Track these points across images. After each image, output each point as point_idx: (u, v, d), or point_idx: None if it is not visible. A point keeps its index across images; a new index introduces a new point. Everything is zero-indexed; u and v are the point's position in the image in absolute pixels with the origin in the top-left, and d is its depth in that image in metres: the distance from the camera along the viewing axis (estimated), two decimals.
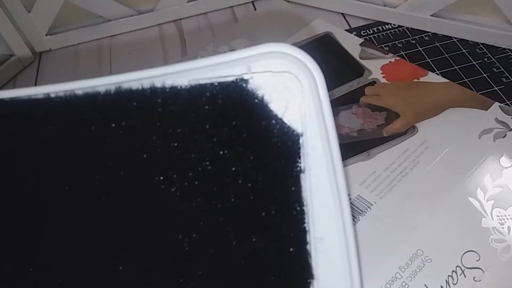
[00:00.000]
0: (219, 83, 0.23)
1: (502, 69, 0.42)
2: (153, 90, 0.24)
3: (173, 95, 0.24)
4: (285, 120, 0.24)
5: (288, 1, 0.51)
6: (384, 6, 0.47)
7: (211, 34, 0.51)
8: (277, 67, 0.23)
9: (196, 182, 0.23)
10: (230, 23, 0.51)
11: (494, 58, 0.43)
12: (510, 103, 0.39)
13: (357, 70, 0.42)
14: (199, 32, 0.51)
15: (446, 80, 0.40)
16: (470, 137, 0.35)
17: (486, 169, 0.33)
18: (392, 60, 0.42)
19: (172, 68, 0.24)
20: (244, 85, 0.23)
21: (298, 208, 0.24)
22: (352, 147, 0.36)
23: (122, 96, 0.24)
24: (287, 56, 0.23)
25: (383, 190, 0.33)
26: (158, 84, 0.24)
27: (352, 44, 0.44)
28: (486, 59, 0.43)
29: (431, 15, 0.45)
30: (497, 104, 0.37)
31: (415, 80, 0.40)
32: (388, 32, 0.47)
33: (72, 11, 0.50)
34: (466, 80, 0.41)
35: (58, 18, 0.50)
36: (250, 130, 0.23)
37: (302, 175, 0.24)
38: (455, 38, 0.45)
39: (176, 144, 0.24)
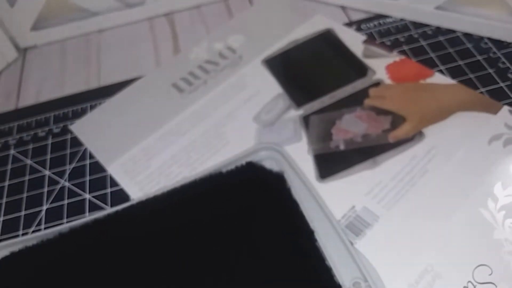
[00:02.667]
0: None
1: (508, 64, 0.40)
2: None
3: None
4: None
5: None
6: None
7: (205, 28, 0.48)
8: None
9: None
10: (225, 17, 0.49)
11: (500, 53, 0.41)
12: None
13: (361, 69, 0.40)
14: (192, 27, 0.49)
15: (454, 82, 0.38)
16: (479, 144, 0.33)
17: (497, 178, 0.31)
18: (397, 59, 0.40)
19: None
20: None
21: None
22: (357, 154, 0.34)
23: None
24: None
25: (390, 201, 0.31)
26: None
27: (354, 42, 0.42)
28: (491, 54, 0.41)
29: (435, 8, 0.43)
30: (506, 108, 0.35)
31: (421, 81, 0.38)
32: (389, 26, 0.45)
33: (57, 5, 0.48)
34: (470, 76, 0.39)
35: (43, 12, 0.48)
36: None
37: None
38: (459, 32, 0.43)
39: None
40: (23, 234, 0.34)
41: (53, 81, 0.46)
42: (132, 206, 0.31)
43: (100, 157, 0.37)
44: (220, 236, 0.29)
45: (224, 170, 0.33)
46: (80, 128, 0.40)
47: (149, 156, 0.37)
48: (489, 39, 0.42)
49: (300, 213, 0.30)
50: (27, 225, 0.34)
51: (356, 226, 0.30)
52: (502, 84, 0.38)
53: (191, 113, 0.39)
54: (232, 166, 0.33)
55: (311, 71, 0.41)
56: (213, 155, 0.36)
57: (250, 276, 0.27)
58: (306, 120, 0.37)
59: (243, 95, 0.40)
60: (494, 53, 0.41)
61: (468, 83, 0.39)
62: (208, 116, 0.39)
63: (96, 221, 0.31)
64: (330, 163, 0.34)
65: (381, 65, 0.40)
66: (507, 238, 0.28)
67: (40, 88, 0.46)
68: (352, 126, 0.36)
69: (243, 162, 0.33)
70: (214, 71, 0.42)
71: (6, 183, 0.37)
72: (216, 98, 0.40)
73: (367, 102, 0.37)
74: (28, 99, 0.45)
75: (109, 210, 0.32)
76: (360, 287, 0.27)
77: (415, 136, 0.35)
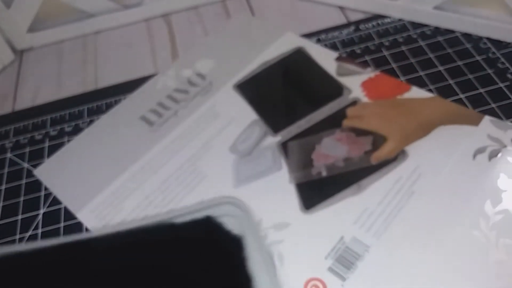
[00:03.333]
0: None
1: (508, 65, 0.40)
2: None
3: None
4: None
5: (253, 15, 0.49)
6: None
7: (202, 29, 0.48)
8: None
9: None
10: (222, 17, 0.49)
11: (499, 54, 0.41)
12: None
13: (336, 89, 0.39)
14: (189, 27, 0.49)
15: (431, 95, 0.37)
16: (464, 159, 0.33)
17: (485, 194, 0.31)
18: (372, 75, 0.39)
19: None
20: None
21: None
22: (341, 179, 0.33)
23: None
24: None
25: (379, 228, 0.30)
26: None
27: (327, 59, 0.41)
28: (490, 55, 0.41)
29: (433, 8, 0.42)
30: (487, 118, 0.35)
31: (399, 96, 0.37)
32: (388, 26, 0.44)
33: (54, 6, 0.48)
34: (470, 77, 0.39)
35: (39, 14, 0.48)
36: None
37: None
38: (458, 32, 0.43)
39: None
40: (19, 239, 0.34)
41: (50, 83, 0.46)
42: (88, 239, 0.31)
43: (69, 203, 0.34)
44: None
45: (179, 220, 0.31)
46: (45, 172, 0.37)
47: (121, 199, 0.34)
48: (488, 39, 0.42)
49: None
50: (24, 229, 0.34)
51: (347, 258, 0.29)
52: (501, 85, 0.38)
53: (163, 148, 0.37)
54: (189, 218, 0.31)
55: (285, 93, 0.39)
56: (189, 192, 0.34)
57: None
58: (284, 146, 0.35)
59: (217, 124, 0.38)
60: (493, 53, 0.41)
61: (467, 84, 0.38)
62: (182, 150, 0.36)
63: (51, 247, 0.30)
64: (314, 192, 0.33)
65: (356, 82, 0.39)
66: (503, 260, 0.28)
67: (37, 91, 0.45)
68: (332, 150, 0.35)
69: (202, 215, 0.31)
70: (184, 100, 0.40)
71: (3, 186, 0.37)
72: (189, 130, 0.38)
73: (346, 123, 0.37)
74: (25, 101, 0.44)
75: (63, 239, 0.31)
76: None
77: (398, 155, 0.34)
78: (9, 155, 0.39)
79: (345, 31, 0.45)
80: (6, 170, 0.38)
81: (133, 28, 0.50)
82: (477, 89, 0.38)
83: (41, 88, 0.45)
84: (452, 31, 0.43)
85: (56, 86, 0.45)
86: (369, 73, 0.40)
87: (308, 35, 0.45)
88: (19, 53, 0.49)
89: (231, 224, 0.31)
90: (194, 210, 0.31)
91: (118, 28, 0.50)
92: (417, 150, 0.34)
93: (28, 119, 0.42)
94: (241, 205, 0.32)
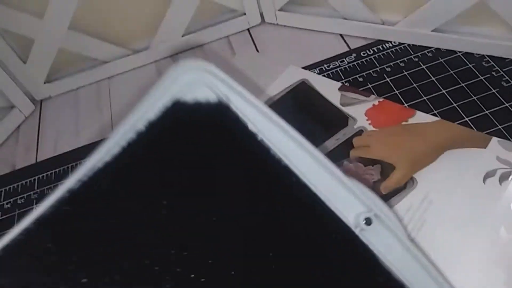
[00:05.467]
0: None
1: None
2: None
3: None
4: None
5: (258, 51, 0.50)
6: (383, 24, 0.45)
7: None
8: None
9: None
10: (227, 54, 0.50)
11: (503, 71, 0.41)
12: None
13: (341, 119, 0.39)
14: None
15: (436, 119, 0.38)
16: (475, 184, 0.33)
17: (498, 220, 0.31)
18: (376, 102, 0.40)
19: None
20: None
21: None
22: None
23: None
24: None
25: None
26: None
27: (330, 90, 0.42)
28: (494, 73, 0.41)
29: (432, 31, 0.43)
30: (495, 139, 0.35)
31: (404, 122, 0.38)
32: (389, 50, 0.45)
33: (68, 57, 0.50)
34: (474, 98, 0.39)
35: (54, 65, 0.50)
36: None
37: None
38: (460, 52, 0.43)
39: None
40: None
41: (69, 132, 0.48)
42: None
43: None
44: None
45: (140, 125, 0.25)
46: None
47: None
48: (491, 57, 0.42)
49: (263, 147, 0.24)
50: None
51: None
52: (507, 105, 0.38)
53: None
54: (150, 115, 0.24)
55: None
56: None
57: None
58: None
59: None
60: (497, 71, 0.41)
61: (472, 106, 0.39)
62: None
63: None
64: None
65: (360, 111, 0.39)
66: None
67: (57, 140, 0.48)
68: None
69: (167, 102, 0.24)
70: None
71: None
72: None
73: (353, 153, 0.37)
74: (47, 151, 0.47)
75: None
76: (372, 220, 0.23)
77: (407, 183, 0.34)
78: (35, 206, 0.42)
79: (346, 59, 0.45)
80: None
81: (143, 70, 0.52)
82: (483, 110, 0.38)
83: (61, 137, 0.48)
84: (453, 51, 0.43)
85: (75, 134, 0.48)
86: (373, 101, 0.40)
87: (310, 66, 0.46)
88: (39, 103, 0.52)
89: (206, 95, 0.24)
90: (151, 102, 0.24)
91: (129, 71, 0.52)
92: (426, 177, 0.34)
93: (50, 169, 0.44)
94: (206, 67, 0.25)
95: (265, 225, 0.23)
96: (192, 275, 0.22)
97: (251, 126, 0.24)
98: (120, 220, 0.23)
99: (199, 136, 0.24)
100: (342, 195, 0.24)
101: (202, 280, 0.22)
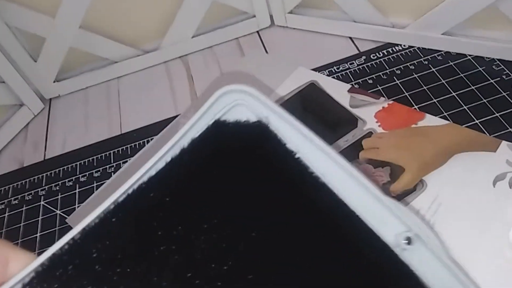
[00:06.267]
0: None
1: None
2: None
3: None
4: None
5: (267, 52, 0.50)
6: (393, 27, 0.45)
7: (218, 67, 0.50)
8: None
9: None
10: (236, 55, 0.50)
11: None
12: None
13: (350, 121, 0.39)
14: (205, 67, 0.50)
15: (446, 122, 0.38)
16: (484, 187, 0.33)
17: (508, 223, 0.31)
18: (385, 105, 0.40)
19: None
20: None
21: None
22: None
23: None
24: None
25: None
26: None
27: (339, 92, 0.42)
28: (504, 76, 0.41)
29: (442, 34, 0.43)
30: (505, 143, 0.35)
31: (413, 125, 0.38)
32: (399, 53, 0.45)
33: (77, 56, 0.50)
34: (484, 101, 0.39)
35: (64, 64, 0.50)
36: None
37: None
38: (470, 55, 0.43)
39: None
40: None
41: (77, 130, 0.48)
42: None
43: None
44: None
45: (184, 142, 0.25)
46: (77, 220, 0.38)
47: None
48: (501, 60, 0.42)
49: (302, 165, 0.24)
50: None
51: None
52: None
53: None
54: (194, 133, 0.25)
55: None
56: None
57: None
58: None
59: None
60: (507, 74, 0.41)
61: (482, 109, 0.39)
62: None
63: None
64: None
65: (370, 113, 0.39)
66: None
67: (66, 137, 0.48)
68: None
69: (207, 123, 0.25)
70: None
71: (38, 234, 0.39)
72: None
73: (362, 155, 0.37)
74: (55, 149, 0.47)
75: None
76: (413, 240, 0.23)
77: (417, 185, 0.34)
78: (42, 203, 0.42)
79: (356, 62, 0.45)
80: (40, 217, 0.41)
81: (152, 70, 0.52)
82: (493, 113, 0.38)
83: (69, 135, 0.48)
84: (463, 55, 0.43)
85: (84, 132, 0.48)
86: (383, 103, 0.40)
87: (320, 68, 0.46)
88: (48, 102, 0.52)
89: (244, 114, 0.25)
90: (191, 124, 0.25)
91: (138, 71, 0.52)
92: (436, 179, 0.34)
93: (58, 166, 0.45)
94: (245, 89, 0.25)
95: (303, 242, 0.23)
96: None
97: (289, 145, 0.25)
98: (163, 233, 0.23)
99: (239, 153, 0.25)
100: (380, 214, 0.23)
101: None
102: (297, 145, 0.24)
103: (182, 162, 0.25)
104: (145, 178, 0.24)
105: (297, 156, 0.24)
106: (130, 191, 0.24)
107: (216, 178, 0.25)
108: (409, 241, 0.23)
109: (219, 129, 0.25)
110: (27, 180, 0.44)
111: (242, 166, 0.25)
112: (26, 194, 0.43)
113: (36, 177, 0.44)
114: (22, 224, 0.40)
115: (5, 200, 0.43)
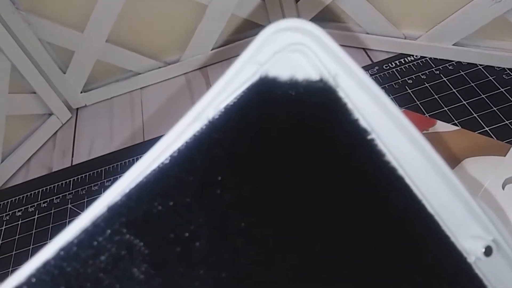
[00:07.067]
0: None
1: None
2: None
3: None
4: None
5: None
6: (405, 38, 0.47)
7: None
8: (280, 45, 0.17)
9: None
10: None
11: None
12: None
13: None
14: None
15: (457, 128, 0.39)
16: (494, 189, 0.34)
17: None
18: None
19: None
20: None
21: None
22: None
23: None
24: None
25: None
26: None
27: None
28: None
29: (453, 44, 0.44)
30: None
31: (425, 131, 0.39)
32: (411, 64, 0.46)
33: (104, 68, 0.53)
34: (494, 109, 0.40)
35: (91, 76, 0.53)
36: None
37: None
38: (481, 65, 0.44)
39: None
40: None
41: (103, 137, 0.51)
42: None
43: None
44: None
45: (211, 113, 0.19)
46: None
47: None
48: (511, 69, 0.43)
49: (375, 150, 0.18)
50: None
51: None
52: None
53: None
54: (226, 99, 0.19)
55: None
56: None
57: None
58: None
59: None
60: None
61: (492, 116, 0.40)
62: None
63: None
64: None
65: None
66: None
67: (92, 145, 0.50)
68: None
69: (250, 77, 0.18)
70: None
71: None
72: None
73: None
74: (82, 155, 0.49)
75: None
76: (492, 251, 0.19)
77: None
78: (69, 206, 0.44)
79: (369, 72, 0.47)
80: (67, 219, 0.43)
81: (174, 81, 0.54)
82: (503, 120, 0.39)
83: (95, 142, 0.50)
84: (474, 65, 0.44)
85: (109, 139, 0.50)
86: None
87: None
88: (75, 111, 0.55)
89: (303, 67, 0.17)
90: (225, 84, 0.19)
91: (160, 82, 0.55)
92: None
93: (85, 172, 0.47)
94: (305, 26, 0.18)
95: (368, 246, 0.19)
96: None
97: (362, 122, 0.18)
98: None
99: (292, 131, 0.18)
100: (461, 216, 0.19)
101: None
102: (373, 122, 0.18)
103: (211, 142, 0.18)
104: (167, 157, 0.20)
105: (371, 137, 0.18)
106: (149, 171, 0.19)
107: (261, 168, 0.18)
108: (487, 251, 0.19)
109: (265, 90, 0.17)
110: (56, 184, 0.47)
111: (295, 150, 0.18)
112: (54, 197, 0.45)
113: (63, 181, 0.47)
114: (50, 225, 0.43)
115: (35, 203, 0.45)
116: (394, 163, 0.18)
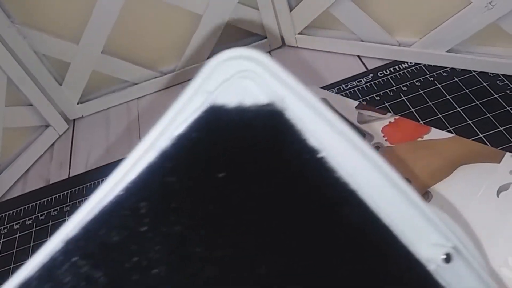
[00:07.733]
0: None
1: None
2: None
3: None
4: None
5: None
6: (399, 45, 0.47)
7: None
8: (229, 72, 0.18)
9: None
10: None
11: None
12: None
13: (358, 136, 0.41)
14: None
15: (451, 135, 0.39)
16: (488, 197, 0.34)
17: None
18: (392, 120, 0.42)
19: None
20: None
21: None
22: None
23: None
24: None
25: None
26: None
27: (348, 108, 0.43)
28: (508, 91, 0.42)
29: (447, 51, 0.45)
30: (509, 154, 0.36)
31: (419, 139, 0.39)
32: (405, 71, 0.47)
33: (100, 79, 0.53)
34: (489, 115, 0.40)
35: (87, 87, 0.53)
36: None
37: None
38: (474, 71, 0.44)
39: None
40: None
41: (100, 148, 0.51)
42: None
43: None
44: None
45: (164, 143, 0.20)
46: None
47: None
48: (505, 76, 0.43)
49: (326, 168, 0.18)
50: None
51: None
52: None
53: None
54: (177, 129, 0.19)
55: None
56: None
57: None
58: None
59: None
60: (511, 89, 0.42)
61: (486, 123, 0.40)
62: None
63: None
64: None
65: (377, 128, 0.41)
66: None
67: (89, 156, 0.50)
68: None
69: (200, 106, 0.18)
70: None
71: None
72: None
73: None
74: (79, 167, 0.49)
75: None
76: (452, 257, 0.19)
77: (422, 197, 0.36)
78: (67, 218, 0.44)
79: (364, 79, 0.47)
80: None
81: (170, 91, 0.55)
82: (497, 127, 0.39)
83: (92, 153, 0.51)
84: (468, 71, 0.44)
85: (105, 150, 0.50)
86: (389, 118, 0.42)
87: (329, 86, 0.48)
88: (72, 122, 0.55)
89: (254, 92, 0.17)
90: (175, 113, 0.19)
91: (157, 92, 0.55)
92: (440, 191, 0.35)
93: (82, 183, 0.47)
94: (250, 54, 0.18)
95: (322, 259, 0.19)
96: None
97: (311, 141, 0.18)
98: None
99: (242, 154, 0.18)
100: (418, 224, 0.19)
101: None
102: (324, 140, 0.18)
103: (164, 171, 0.19)
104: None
105: (320, 155, 0.18)
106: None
107: (213, 193, 0.19)
108: (447, 258, 0.19)
109: (213, 118, 0.18)
110: (53, 196, 0.47)
111: (246, 173, 0.18)
112: (52, 210, 0.45)
113: (61, 193, 0.47)
114: (49, 238, 0.43)
115: (33, 216, 0.45)
116: (346, 178, 0.19)
